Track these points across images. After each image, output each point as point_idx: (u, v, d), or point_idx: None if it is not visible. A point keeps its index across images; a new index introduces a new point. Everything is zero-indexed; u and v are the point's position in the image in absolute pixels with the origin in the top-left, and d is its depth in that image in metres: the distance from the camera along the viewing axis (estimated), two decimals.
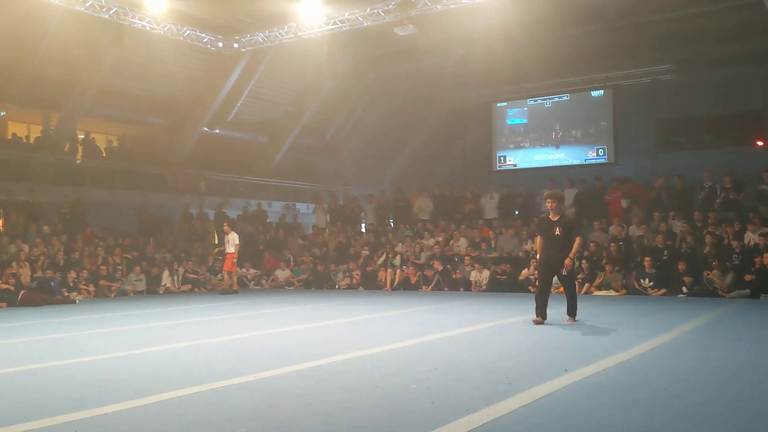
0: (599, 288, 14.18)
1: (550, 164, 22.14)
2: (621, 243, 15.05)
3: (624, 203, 16.80)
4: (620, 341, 7.26)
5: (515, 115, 23.14)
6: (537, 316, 8.70)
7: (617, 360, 6.03)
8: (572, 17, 19.00)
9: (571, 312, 8.94)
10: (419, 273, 16.38)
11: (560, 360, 6.07)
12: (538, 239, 9.14)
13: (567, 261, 8.56)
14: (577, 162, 21.77)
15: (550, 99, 22.48)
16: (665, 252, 14.18)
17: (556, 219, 8.75)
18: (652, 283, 13.61)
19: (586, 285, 14.22)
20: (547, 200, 8.90)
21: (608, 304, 12.00)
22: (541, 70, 21.43)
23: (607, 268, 14.25)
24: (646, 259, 13.83)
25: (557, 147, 22.21)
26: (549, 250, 8.74)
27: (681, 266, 13.45)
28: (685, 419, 4.09)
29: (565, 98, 22.29)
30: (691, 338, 7.65)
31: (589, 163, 21.50)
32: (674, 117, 21.19)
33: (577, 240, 8.88)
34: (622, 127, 21.36)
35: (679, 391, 4.80)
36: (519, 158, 22.83)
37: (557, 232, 8.67)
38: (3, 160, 18.41)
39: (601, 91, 21.68)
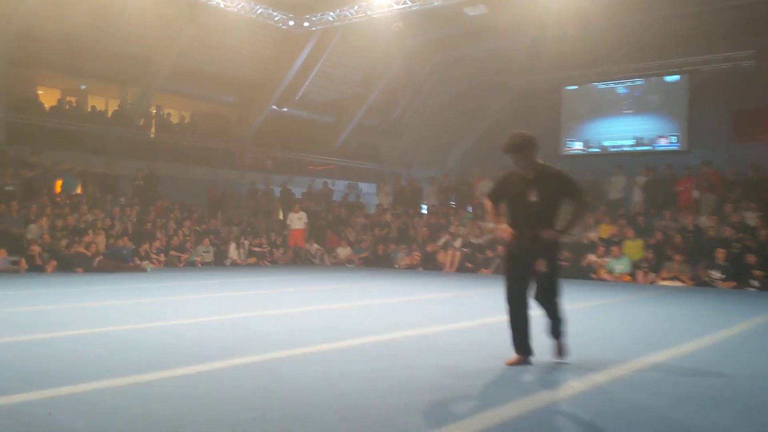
0: (665, 279, 13.86)
1: (620, 150, 21.62)
2: (689, 234, 14.64)
3: (695, 194, 16.28)
4: (686, 332, 7.10)
5: (584, 98, 22.65)
6: (516, 353, 5.24)
7: (681, 351, 5.90)
8: (649, 0, 18.41)
9: (556, 332, 5.33)
10: (480, 256, 16.33)
11: (622, 348, 5.99)
12: (488, 205, 5.59)
13: (547, 232, 5.09)
14: (647, 148, 21.17)
15: (622, 83, 21.90)
16: (736, 244, 13.72)
17: (530, 176, 5.22)
18: (722, 276, 13.21)
19: (652, 275, 13.92)
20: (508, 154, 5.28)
21: (675, 294, 11.72)
22: (614, 54, 20.89)
23: (676, 258, 13.88)
24: (719, 250, 13.38)
25: (628, 132, 21.64)
26: (519, 229, 5.21)
27: (751, 259, 13.01)
28: (744, 415, 4.00)
29: (638, 83, 21.67)
30: (762, 332, 7.41)
31: (659, 149, 20.87)
32: (753, 106, 20.29)
33: (576, 204, 5.24)
34: (696, 114, 20.62)
35: (743, 388, 4.67)
36: (587, 143, 22.35)
37: (532, 196, 5.16)
38: (82, 133, 19.19)
39: (677, 77, 20.96)
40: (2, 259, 13.52)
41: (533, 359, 5.20)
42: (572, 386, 4.49)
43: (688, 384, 4.69)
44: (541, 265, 5.09)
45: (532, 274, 5.16)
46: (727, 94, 20.53)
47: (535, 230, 5.09)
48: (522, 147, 5.19)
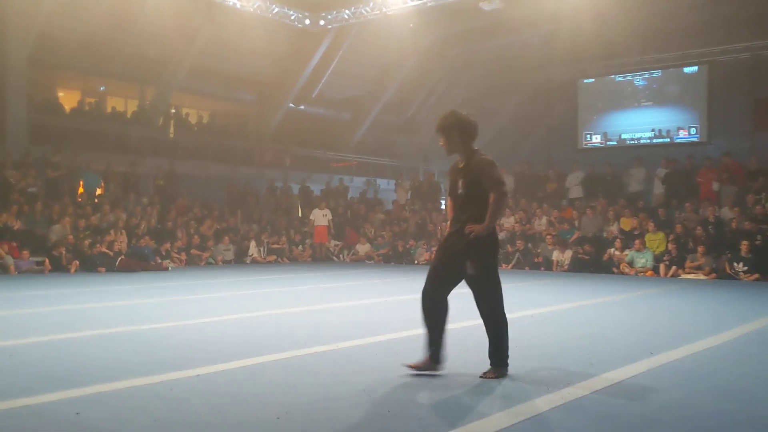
0: (688, 272, 13.74)
1: (639, 142, 21.44)
2: (710, 226, 14.49)
3: (716, 186, 16.09)
4: (710, 326, 7.04)
5: (601, 91, 22.48)
6: (425, 356, 4.66)
7: (706, 345, 5.86)
8: None
9: (496, 357, 4.65)
10: (501, 251, 16.29)
11: (645, 343, 5.95)
12: (448, 203, 5.00)
13: (470, 227, 4.51)
14: (666, 140, 20.97)
15: (640, 75, 21.69)
16: (759, 236, 13.56)
17: (461, 165, 4.75)
18: (746, 268, 13.06)
19: (674, 267, 13.80)
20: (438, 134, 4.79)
21: (697, 288, 11.61)
22: (631, 46, 20.70)
23: (700, 250, 13.74)
24: (743, 242, 13.22)
25: (646, 124, 21.45)
26: (452, 224, 4.76)
27: None
28: None
29: (656, 74, 21.46)
30: None
31: (679, 141, 20.66)
32: None
33: (491, 197, 4.51)
34: (716, 104, 20.36)
35: None
36: (606, 136, 22.19)
37: (460, 188, 4.70)
38: (103, 133, 19.41)
39: (696, 67, 20.71)
40: (27, 260, 13.71)
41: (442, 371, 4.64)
42: (571, 392, 4.46)
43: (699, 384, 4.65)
44: (469, 267, 4.55)
45: (459, 276, 4.63)
46: (749, 84, 20.26)
47: (460, 225, 4.59)
48: (450, 128, 4.68)
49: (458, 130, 4.67)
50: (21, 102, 17.45)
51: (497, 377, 4.52)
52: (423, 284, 4.70)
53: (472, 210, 4.56)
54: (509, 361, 4.66)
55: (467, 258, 4.54)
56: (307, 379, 4.50)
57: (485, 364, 4.67)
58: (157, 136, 21.00)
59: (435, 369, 4.61)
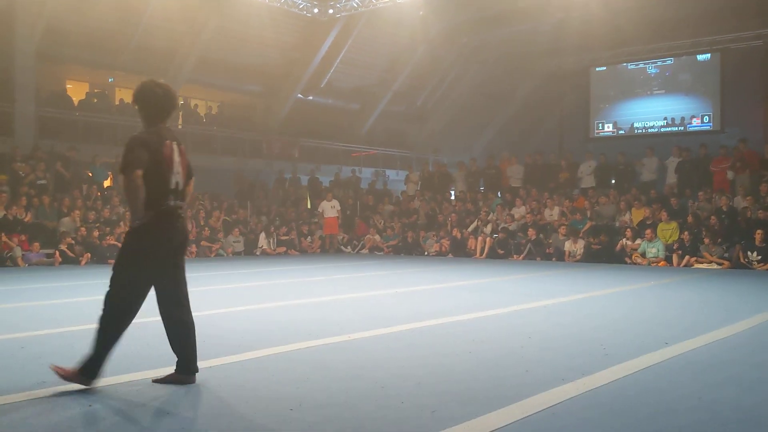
0: (699, 261, 13.62)
1: (651, 131, 21.25)
2: (723, 216, 14.33)
3: (730, 174, 15.91)
4: (724, 315, 6.95)
5: (613, 79, 22.29)
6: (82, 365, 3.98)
7: (721, 335, 5.79)
8: None
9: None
10: (511, 242, 16.21)
11: (659, 333, 5.87)
12: None
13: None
14: (679, 129, 20.78)
15: (653, 63, 21.48)
16: None
17: None
18: (760, 257, 12.93)
19: (687, 257, 13.68)
20: None
21: (712, 277, 11.50)
22: (643, 33, 20.47)
23: (705, 241, 13.61)
24: (758, 231, 13.08)
25: (659, 113, 21.25)
26: None
27: None
28: None
29: (668, 62, 21.23)
30: None
31: (692, 130, 20.47)
32: None
33: (123, 180, 4.09)
34: (729, 93, 20.13)
35: None
36: (618, 125, 22.01)
37: None
38: (111, 125, 19.41)
39: (708, 55, 20.47)
40: (37, 252, 13.74)
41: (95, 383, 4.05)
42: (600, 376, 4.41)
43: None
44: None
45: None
46: (761, 72, 20.02)
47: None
48: (134, 99, 4.19)
49: (139, 103, 4.17)
50: (29, 95, 17.43)
51: (172, 382, 4.11)
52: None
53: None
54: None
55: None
56: (319, 371, 4.47)
57: (494, 362, 4.61)
58: None
59: (87, 383, 4.00)
